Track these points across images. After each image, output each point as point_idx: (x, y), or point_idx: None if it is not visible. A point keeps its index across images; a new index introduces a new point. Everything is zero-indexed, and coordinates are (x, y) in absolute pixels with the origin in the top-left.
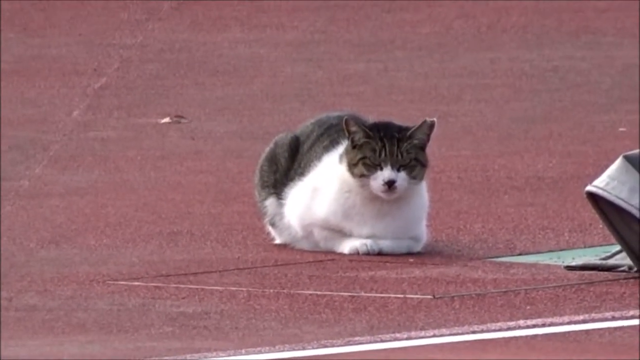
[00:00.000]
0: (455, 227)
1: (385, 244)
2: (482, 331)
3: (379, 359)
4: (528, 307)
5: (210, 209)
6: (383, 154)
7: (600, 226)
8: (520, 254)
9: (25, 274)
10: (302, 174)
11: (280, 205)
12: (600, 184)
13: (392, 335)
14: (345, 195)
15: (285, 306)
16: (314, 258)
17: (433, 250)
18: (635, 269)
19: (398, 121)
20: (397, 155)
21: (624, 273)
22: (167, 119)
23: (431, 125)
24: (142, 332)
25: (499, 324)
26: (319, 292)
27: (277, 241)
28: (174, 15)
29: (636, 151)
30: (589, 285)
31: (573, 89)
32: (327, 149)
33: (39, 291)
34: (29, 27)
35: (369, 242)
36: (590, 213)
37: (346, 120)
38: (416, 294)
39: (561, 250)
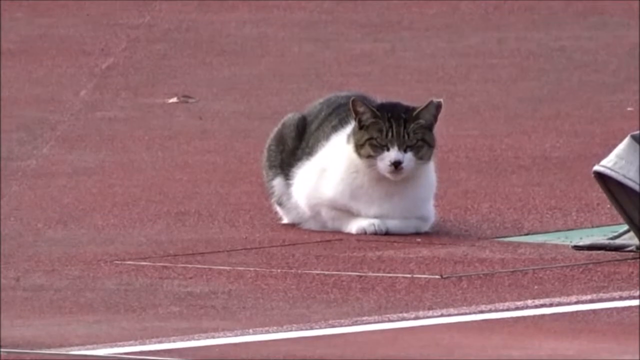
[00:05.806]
0: (463, 207)
1: (393, 224)
2: (489, 311)
3: (387, 338)
4: (536, 287)
5: (218, 189)
6: (390, 135)
7: (608, 206)
8: (527, 234)
9: (33, 254)
10: (309, 153)
11: (288, 185)
12: (607, 164)
13: (400, 315)
14: (352, 175)
15: (293, 286)
16: (322, 238)
17: (441, 230)
18: None
19: (405, 101)
20: (403, 136)
21: (632, 253)
22: (174, 99)
23: (438, 106)
24: (150, 312)
25: (506, 303)
26: (326, 272)
27: (285, 221)
28: None
29: None
30: (597, 265)
31: (580, 68)
32: (336, 128)
33: (46, 271)
34: (36, 7)
35: (376, 222)
36: (597, 193)
37: (353, 101)
38: (424, 273)
39: (569, 230)
